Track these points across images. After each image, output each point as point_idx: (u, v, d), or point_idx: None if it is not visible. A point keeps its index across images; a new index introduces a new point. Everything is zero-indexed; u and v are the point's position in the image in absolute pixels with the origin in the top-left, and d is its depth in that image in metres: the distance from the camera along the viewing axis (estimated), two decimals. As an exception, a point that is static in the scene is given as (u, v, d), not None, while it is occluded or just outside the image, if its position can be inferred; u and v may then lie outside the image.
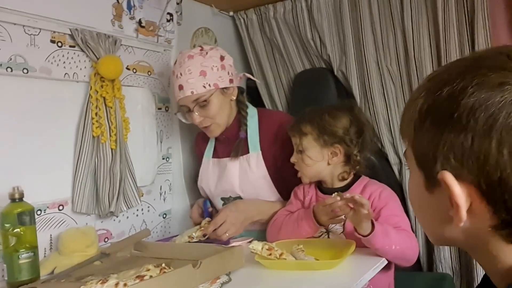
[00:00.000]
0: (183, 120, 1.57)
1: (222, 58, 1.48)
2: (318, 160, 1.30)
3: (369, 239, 1.11)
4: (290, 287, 0.98)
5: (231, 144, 1.55)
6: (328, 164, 1.31)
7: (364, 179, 1.35)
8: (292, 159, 1.35)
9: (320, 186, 1.38)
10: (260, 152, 1.50)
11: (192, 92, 1.43)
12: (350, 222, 1.14)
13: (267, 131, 1.51)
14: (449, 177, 0.46)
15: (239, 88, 1.57)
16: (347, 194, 1.13)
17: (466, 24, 1.59)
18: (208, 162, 1.63)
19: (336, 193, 1.16)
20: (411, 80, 1.73)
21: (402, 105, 1.75)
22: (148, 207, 1.71)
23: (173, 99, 1.55)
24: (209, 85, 1.43)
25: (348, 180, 1.35)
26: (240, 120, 1.55)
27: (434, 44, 1.67)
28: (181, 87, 1.44)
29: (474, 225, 0.48)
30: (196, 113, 1.46)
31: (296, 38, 1.98)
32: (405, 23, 1.69)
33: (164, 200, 1.79)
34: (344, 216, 1.26)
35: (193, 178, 1.88)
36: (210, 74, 1.44)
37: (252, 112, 1.57)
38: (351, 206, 1.12)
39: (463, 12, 1.59)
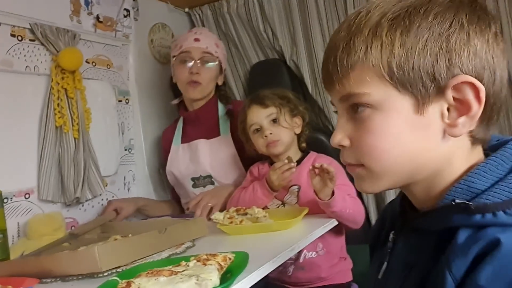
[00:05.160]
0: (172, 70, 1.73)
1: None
2: (291, 126, 1.42)
3: (329, 203, 1.22)
4: (248, 246, 1.05)
5: (202, 125, 1.69)
6: (294, 134, 1.44)
7: (313, 154, 1.48)
8: (267, 132, 1.40)
9: (273, 163, 1.48)
10: (230, 135, 1.64)
11: (206, 47, 1.66)
12: (314, 187, 1.24)
13: (236, 116, 1.62)
14: (470, 77, 0.51)
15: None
16: (316, 163, 1.24)
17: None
18: (178, 148, 1.74)
19: (287, 157, 1.27)
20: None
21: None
22: (113, 196, 1.76)
23: (175, 51, 1.70)
24: (217, 55, 1.69)
25: (300, 156, 1.46)
26: (214, 103, 1.71)
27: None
28: (197, 40, 1.66)
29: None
30: (198, 65, 1.64)
31: (250, 31, 2.08)
32: (348, 13, 1.83)
33: (129, 190, 1.85)
34: (298, 188, 1.38)
35: (156, 168, 1.95)
36: (220, 50, 1.72)
37: None
38: (317, 172, 1.22)
39: None
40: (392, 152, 0.54)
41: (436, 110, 0.53)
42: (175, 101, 1.80)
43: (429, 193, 0.57)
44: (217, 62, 1.69)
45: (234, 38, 2.11)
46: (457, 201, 0.52)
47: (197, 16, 2.16)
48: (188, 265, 0.80)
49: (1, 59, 1.38)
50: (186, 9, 2.17)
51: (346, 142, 0.58)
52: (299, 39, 1.95)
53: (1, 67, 1.38)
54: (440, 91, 0.52)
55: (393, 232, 0.65)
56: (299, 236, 1.07)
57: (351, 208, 1.26)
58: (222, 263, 0.80)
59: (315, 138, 1.61)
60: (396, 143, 0.54)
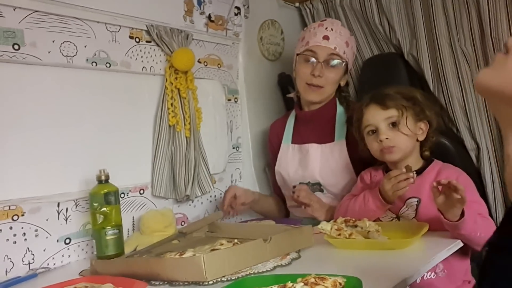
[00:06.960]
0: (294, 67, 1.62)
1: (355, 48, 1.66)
2: (413, 132, 1.28)
3: (458, 224, 1.07)
4: (359, 266, 0.97)
5: (316, 128, 1.59)
6: (417, 140, 1.30)
7: (437, 163, 1.31)
8: (382, 136, 1.27)
9: (388, 170, 1.35)
10: (344, 140, 1.52)
11: (335, 48, 1.52)
12: (438, 206, 1.09)
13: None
14: None
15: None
16: (443, 179, 1.09)
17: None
18: (288, 147, 1.66)
19: (405, 165, 1.14)
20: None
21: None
22: (221, 194, 1.77)
23: (300, 46, 1.60)
24: (346, 56, 1.55)
25: (421, 164, 1.32)
26: (333, 106, 1.60)
27: (514, 20, 1.57)
28: (326, 37, 1.52)
29: None
30: (322, 66, 1.51)
31: (363, 24, 1.95)
32: (480, 0, 1.61)
33: (236, 187, 1.85)
34: (417, 201, 1.24)
35: (262, 167, 1.93)
36: (349, 49, 1.58)
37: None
38: (441, 190, 1.07)
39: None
40: None
41: None
42: (291, 95, 1.73)
43: None
44: (343, 64, 1.55)
45: (347, 32, 1.99)
46: None
47: (308, 10, 2.09)
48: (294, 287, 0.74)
49: (121, 60, 1.44)
50: (297, 4, 2.11)
51: None
52: (420, 31, 1.78)
53: (120, 68, 1.45)
54: None
55: None
56: (418, 259, 0.96)
57: (483, 231, 1.10)
58: (332, 289, 0.73)
59: (437, 143, 1.42)
60: None
